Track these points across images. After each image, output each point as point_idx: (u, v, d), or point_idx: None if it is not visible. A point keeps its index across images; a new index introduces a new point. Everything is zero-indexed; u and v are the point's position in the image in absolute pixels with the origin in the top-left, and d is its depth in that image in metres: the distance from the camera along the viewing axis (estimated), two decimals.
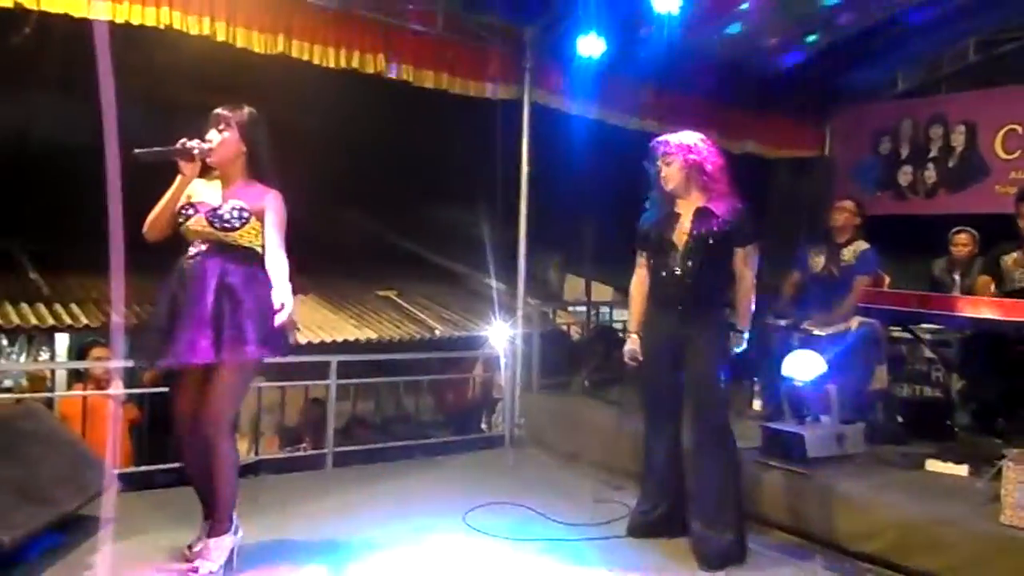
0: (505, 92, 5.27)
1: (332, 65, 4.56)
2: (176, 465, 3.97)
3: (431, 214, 10.12)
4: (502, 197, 6.01)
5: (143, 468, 4.18)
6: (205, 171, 2.87)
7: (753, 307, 3.36)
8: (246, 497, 3.86)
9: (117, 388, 4.52)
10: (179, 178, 2.79)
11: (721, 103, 6.02)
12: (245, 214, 2.79)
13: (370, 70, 4.70)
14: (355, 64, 4.63)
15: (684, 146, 3.28)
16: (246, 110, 2.87)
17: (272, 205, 2.83)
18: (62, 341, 6.95)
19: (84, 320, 6.09)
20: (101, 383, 4.50)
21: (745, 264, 3.30)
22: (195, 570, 2.74)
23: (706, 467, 3.24)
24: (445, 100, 5.30)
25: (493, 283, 6.98)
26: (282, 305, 2.63)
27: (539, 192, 5.39)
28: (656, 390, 3.42)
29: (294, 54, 4.41)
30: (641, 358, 3.44)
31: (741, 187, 3.38)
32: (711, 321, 3.28)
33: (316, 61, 4.50)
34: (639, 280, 3.49)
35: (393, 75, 4.79)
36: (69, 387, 5.40)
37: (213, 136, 2.82)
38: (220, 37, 4.14)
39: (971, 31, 6.30)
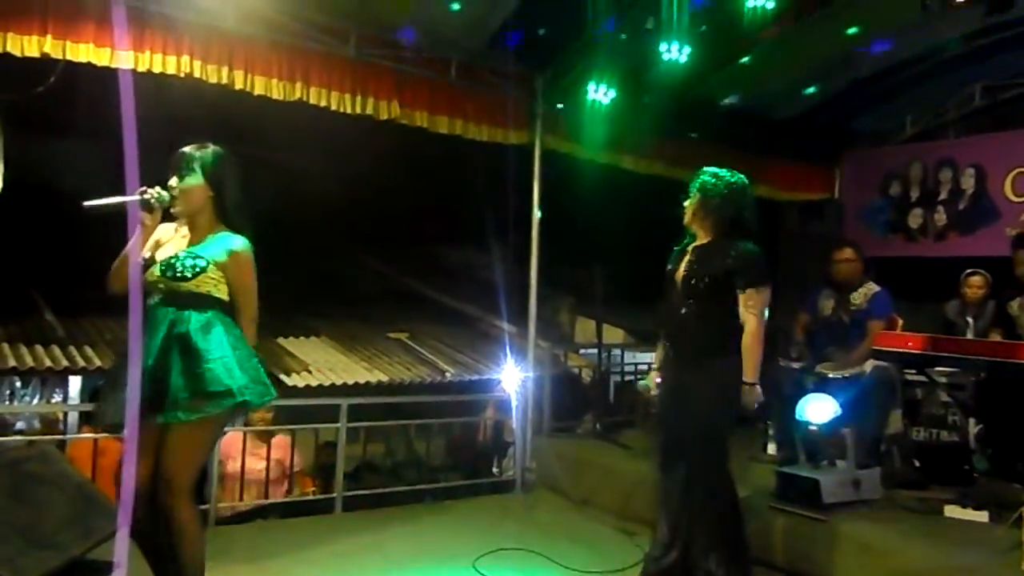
0: (517, 137, 5.35)
1: (348, 111, 4.66)
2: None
3: (443, 256, 10.21)
4: (513, 240, 6.06)
5: None
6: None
7: (757, 357, 3.10)
8: (254, 541, 3.86)
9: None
10: (139, 228, 2.59)
11: (731, 146, 6.08)
12: (200, 264, 2.61)
13: (384, 116, 4.79)
14: (369, 110, 4.73)
15: (703, 183, 3.24)
16: (211, 149, 2.68)
17: (242, 259, 2.65)
18: (75, 384, 6.98)
19: (98, 362, 6.12)
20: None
21: (746, 309, 3.10)
22: None
23: (702, 517, 3.16)
24: (458, 145, 5.39)
25: (504, 325, 6.99)
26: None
27: (550, 235, 5.43)
28: (665, 431, 3.37)
29: (311, 100, 4.51)
30: (653, 394, 3.45)
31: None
32: (713, 366, 3.13)
33: (333, 107, 4.59)
34: (663, 315, 3.45)
35: (407, 121, 4.88)
36: (80, 430, 5.40)
37: (174, 182, 2.63)
38: (238, 85, 4.25)
39: (977, 77, 6.38)
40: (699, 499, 3.18)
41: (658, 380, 3.47)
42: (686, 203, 3.30)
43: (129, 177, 2.20)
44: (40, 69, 4.05)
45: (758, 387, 3.11)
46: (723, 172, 3.28)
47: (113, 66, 3.80)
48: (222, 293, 2.64)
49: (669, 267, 3.34)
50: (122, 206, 2.56)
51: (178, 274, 2.59)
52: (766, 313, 3.17)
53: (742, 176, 3.29)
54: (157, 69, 3.99)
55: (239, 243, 2.67)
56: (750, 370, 3.10)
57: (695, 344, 3.19)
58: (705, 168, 3.32)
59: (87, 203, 2.50)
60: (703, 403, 3.13)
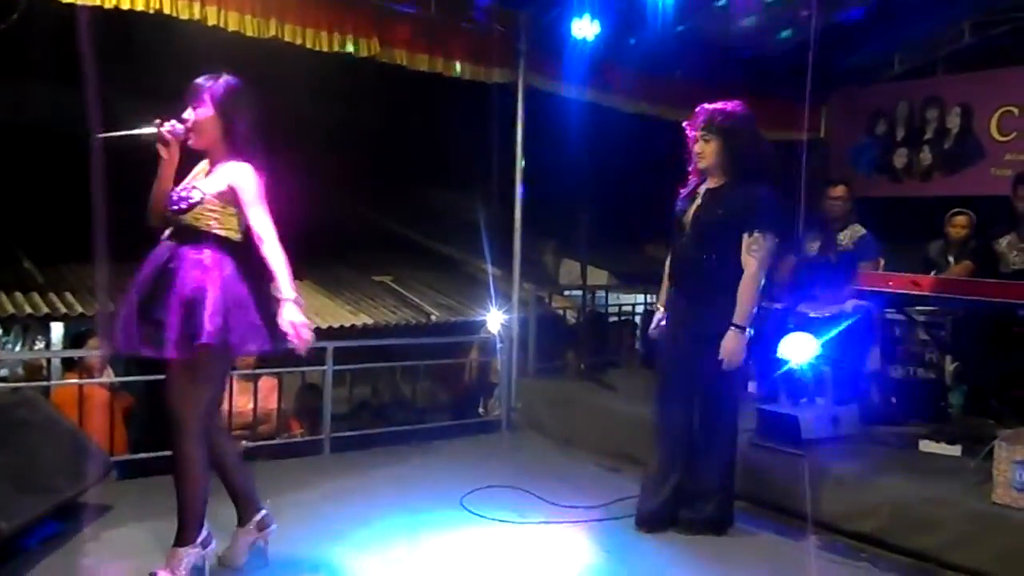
0: (500, 76, 5.23)
1: (325, 49, 4.52)
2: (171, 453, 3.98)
3: (427, 199, 10.11)
4: (497, 181, 6.00)
5: (139, 456, 4.18)
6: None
7: (750, 302, 3.09)
8: None
9: (108, 376, 4.52)
10: (160, 162, 2.58)
11: (716, 85, 5.99)
12: (195, 195, 2.56)
13: (364, 54, 4.66)
14: (349, 48, 4.59)
15: (729, 128, 3.13)
16: (222, 80, 2.62)
17: (239, 181, 2.57)
18: (58, 330, 6.94)
19: (79, 309, 6.08)
20: (94, 372, 4.50)
21: (748, 252, 3.09)
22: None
23: (705, 449, 3.26)
24: (440, 84, 5.27)
25: (489, 268, 6.98)
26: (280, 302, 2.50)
27: (534, 176, 5.38)
28: (666, 370, 3.37)
29: (286, 38, 4.36)
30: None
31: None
32: (721, 305, 3.12)
33: (309, 45, 4.45)
34: (670, 256, 3.42)
35: (387, 59, 4.76)
36: (63, 376, 5.39)
37: (188, 114, 2.60)
38: (211, 21, 4.08)
39: (966, 14, 6.28)
40: (708, 440, 3.24)
41: (659, 318, 3.46)
42: (702, 145, 3.17)
43: (91, 117, 2.14)
44: (2, 6, 3.89)
45: (744, 337, 3.07)
46: (737, 112, 3.16)
47: (78, 2, 3.64)
48: (227, 229, 2.59)
49: (677, 208, 3.31)
50: (135, 138, 2.54)
51: (174, 206, 2.57)
52: (767, 262, 3.13)
53: (749, 112, 3.19)
54: (125, 5, 3.82)
55: (238, 167, 2.60)
56: (741, 313, 3.08)
57: (704, 285, 3.18)
58: (713, 107, 3.17)
59: (100, 134, 2.49)
60: (712, 343, 3.12)
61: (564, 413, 5.00)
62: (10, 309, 5.95)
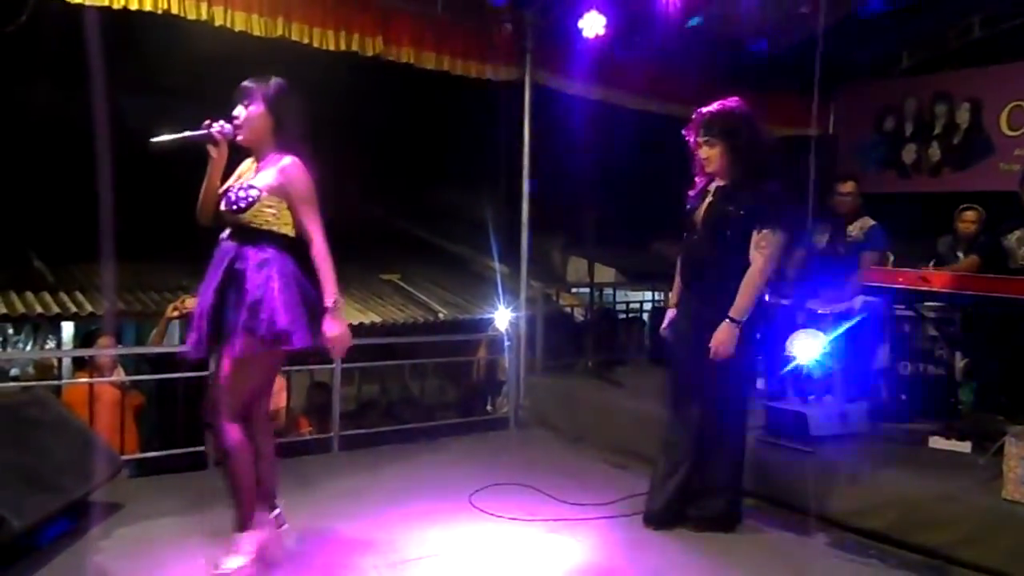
0: (506, 73, 5.24)
1: (332, 48, 4.54)
2: (182, 451, 4.02)
3: (434, 197, 10.12)
4: (505, 179, 6.00)
5: (151, 454, 4.21)
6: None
7: (751, 296, 3.06)
8: None
9: (119, 375, 4.55)
10: (210, 162, 2.65)
11: (724, 81, 5.98)
12: (253, 193, 2.60)
13: (370, 52, 4.67)
14: (355, 46, 4.60)
15: (730, 129, 3.13)
16: (273, 81, 2.70)
17: (291, 178, 2.63)
18: (68, 329, 6.98)
19: (89, 308, 6.12)
20: (104, 372, 4.53)
21: (756, 248, 3.07)
22: (215, 566, 2.63)
23: (714, 446, 3.26)
24: (447, 83, 5.27)
25: (496, 265, 6.99)
26: (331, 303, 2.61)
27: (542, 174, 5.37)
28: (676, 368, 3.37)
29: (293, 37, 4.38)
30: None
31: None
32: (731, 305, 3.10)
33: (316, 44, 4.47)
34: (681, 255, 3.41)
35: (393, 57, 4.77)
36: (74, 375, 5.43)
37: (239, 112, 2.67)
38: (218, 21, 4.11)
39: (976, 8, 6.23)
40: (717, 437, 3.24)
41: (670, 316, 3.46)
42: (706, 150, 3.17)
43: (98, 118, 2.15)
44: (10, 7, 3.91)
45: (736, 331, 3.05)
46: (734, 110, 3.16)
47: (86, 2, 3.66)
48: (284, 224, 2.66)
49: (688, 207, 3.31)
50: (188, 141, 2.61)
51: (233, 206, 2.61)
52: (774, 258, 3.12)
53: (746, 107, 3.18)
54: (134, 6, 3.84)
55: (288, 161, 2.66)
56: (738, 307, 3.07)
57: (715, 283, 3.17)
58: (709, 111, 3.18)
59: (153, 139, 2.56)
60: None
61: (572, 410, 5.00)
62: (21, 308, 6.00)
